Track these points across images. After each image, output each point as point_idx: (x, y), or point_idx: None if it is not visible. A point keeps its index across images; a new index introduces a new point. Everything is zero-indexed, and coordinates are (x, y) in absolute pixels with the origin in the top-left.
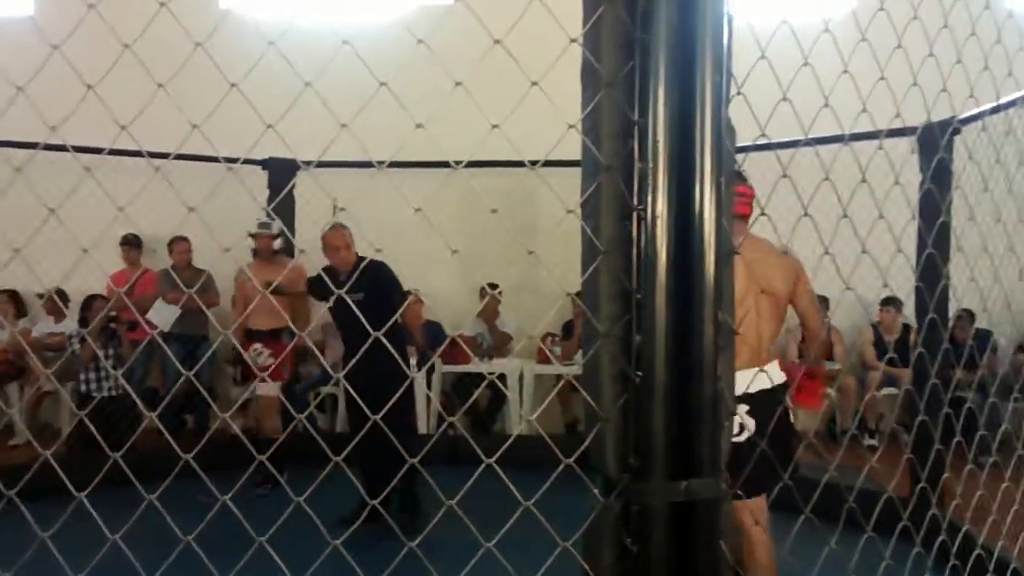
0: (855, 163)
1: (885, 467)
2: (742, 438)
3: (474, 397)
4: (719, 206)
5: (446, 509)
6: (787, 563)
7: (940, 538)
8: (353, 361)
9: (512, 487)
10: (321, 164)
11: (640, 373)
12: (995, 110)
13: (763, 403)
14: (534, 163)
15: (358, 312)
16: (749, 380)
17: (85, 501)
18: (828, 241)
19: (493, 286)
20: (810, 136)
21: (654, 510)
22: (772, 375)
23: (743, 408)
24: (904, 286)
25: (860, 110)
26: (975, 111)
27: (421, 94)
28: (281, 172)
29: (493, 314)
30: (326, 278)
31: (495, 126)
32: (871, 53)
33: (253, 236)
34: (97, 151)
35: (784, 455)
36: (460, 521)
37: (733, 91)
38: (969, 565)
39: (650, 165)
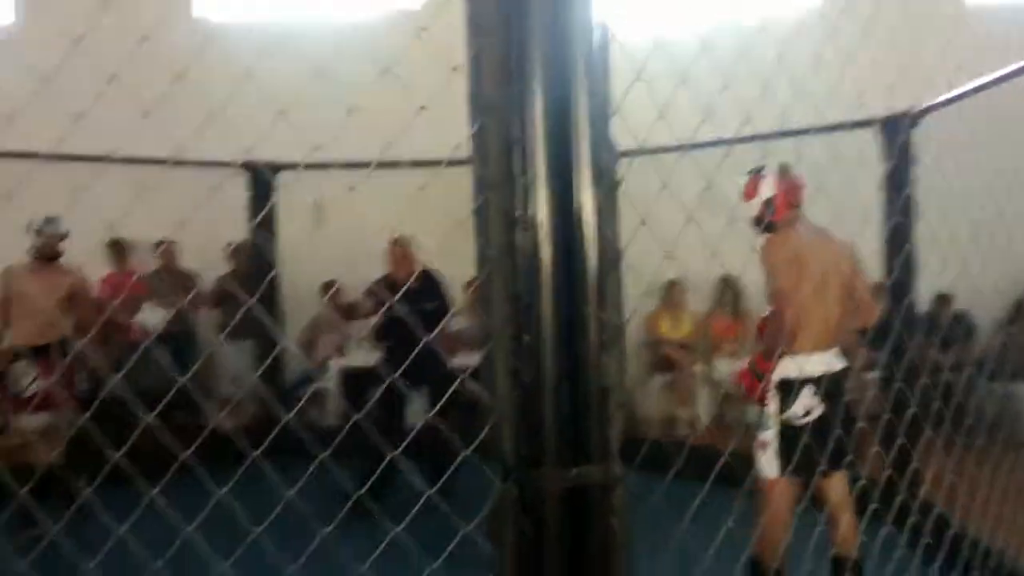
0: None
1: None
2: (807, 420)
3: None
4: (600, 214)
5: (356, 497)
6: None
7: (911, 519)
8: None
9: (417, 478)
10: (309, 167)
11: (530, 370)
12: (949, 101)
13: (828, 385)
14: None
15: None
16: (815, 364)
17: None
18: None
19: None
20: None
21: (547, 495)
22: (835, 360)
23: (809, 390)
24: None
25: (743, 120)
26: (932, 102)
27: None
28: (262, 175)
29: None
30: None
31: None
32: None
33: (37, 232)
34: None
35: (848, 438)
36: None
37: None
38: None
39: (530, 178)
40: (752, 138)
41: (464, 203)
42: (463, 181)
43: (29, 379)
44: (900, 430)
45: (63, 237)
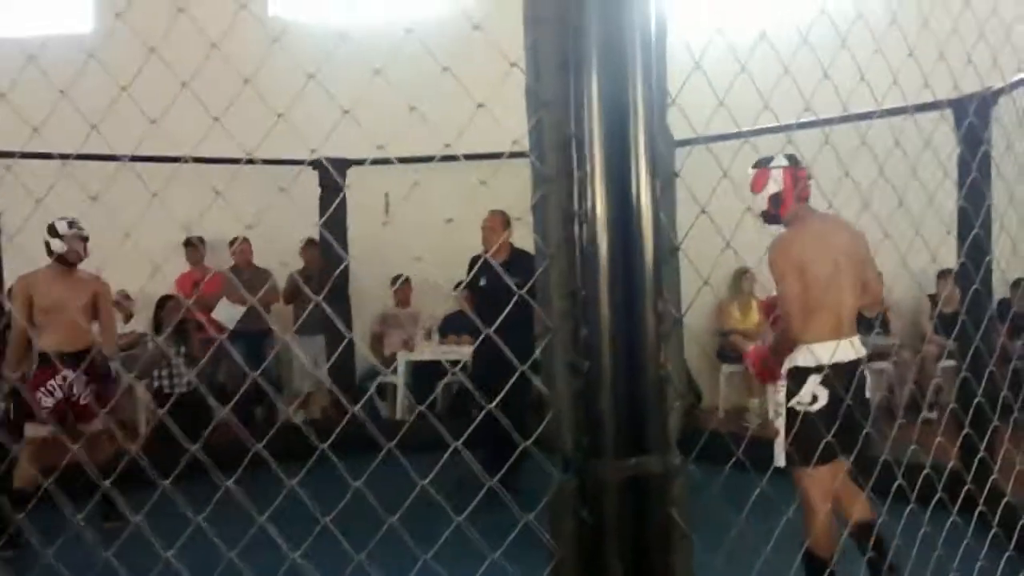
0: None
1: (946, 440)
2: (814, 408)
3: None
4: (656, 206)
5: (419, 489)
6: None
7: (978, 508)
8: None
9: (476, 467)
10: (374, 162)
11: (588, 363)
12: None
13: (839, 375)
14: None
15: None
16: (827, 352)
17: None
18: (869, 220)
19: None
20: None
21: (606, 485)
22: (851, 348)
23: (815, 379)
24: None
25: (803, 109)
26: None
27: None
28: (334, 171)
29: None
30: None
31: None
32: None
33: (60, 237)
34: (171, 160)
35: (855, 427)
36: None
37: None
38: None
39: (588, 173)
40: (813, 123)
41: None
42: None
43: (78, 385)
44: (969, 418)
45: (86, 240)
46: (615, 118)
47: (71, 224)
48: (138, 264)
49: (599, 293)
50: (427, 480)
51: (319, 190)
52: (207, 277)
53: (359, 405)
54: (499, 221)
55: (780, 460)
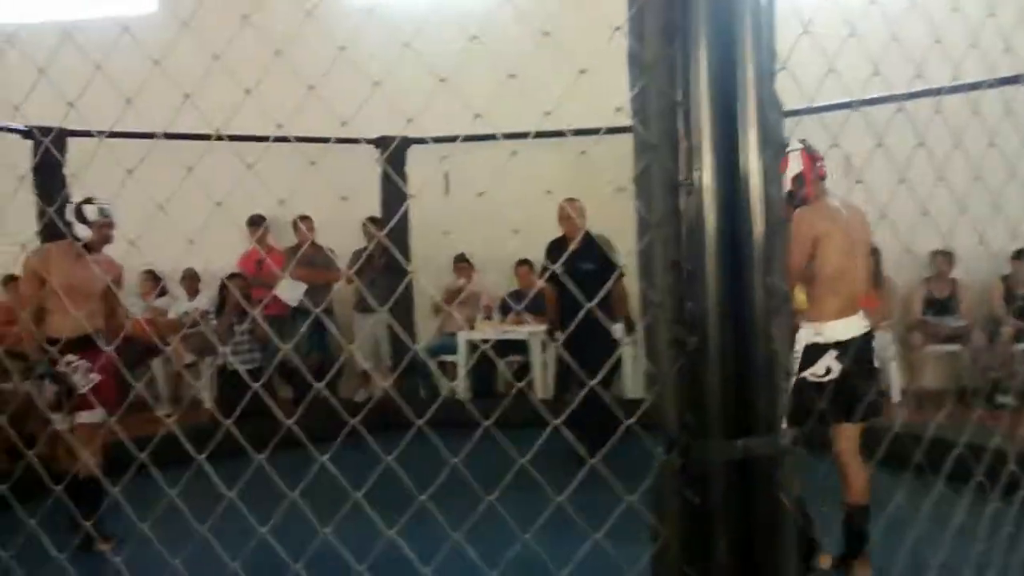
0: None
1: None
2: (826, 379)
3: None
4: (766, 177)
5: (518, 467)
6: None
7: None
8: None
9: (577, 446)
10: (437, 140)
11: (694, 339)
12: None
13: (851, 349)
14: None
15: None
16: (843, 330)
17: (264, 463)
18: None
19: None
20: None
21: (712, 466)
22: (861, 323)
23: (832, 354)
24: None
25: (914, 76)
26: None
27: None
28: (394, 150)
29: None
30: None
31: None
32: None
33: (88, 223)
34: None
35: (864, 392)
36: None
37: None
38: None
39: (695, 142)
40: (924, 93)
41: (600, 174)
42: (601, 151)
43: (83, 372)
44: None
45: (112, 227)
46: (724, 84)
47: (102, 211)
48: (201, 242)
49: (706, 266)
50: (460, 457)
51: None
52: (270, 256)
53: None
54: (578, 208)
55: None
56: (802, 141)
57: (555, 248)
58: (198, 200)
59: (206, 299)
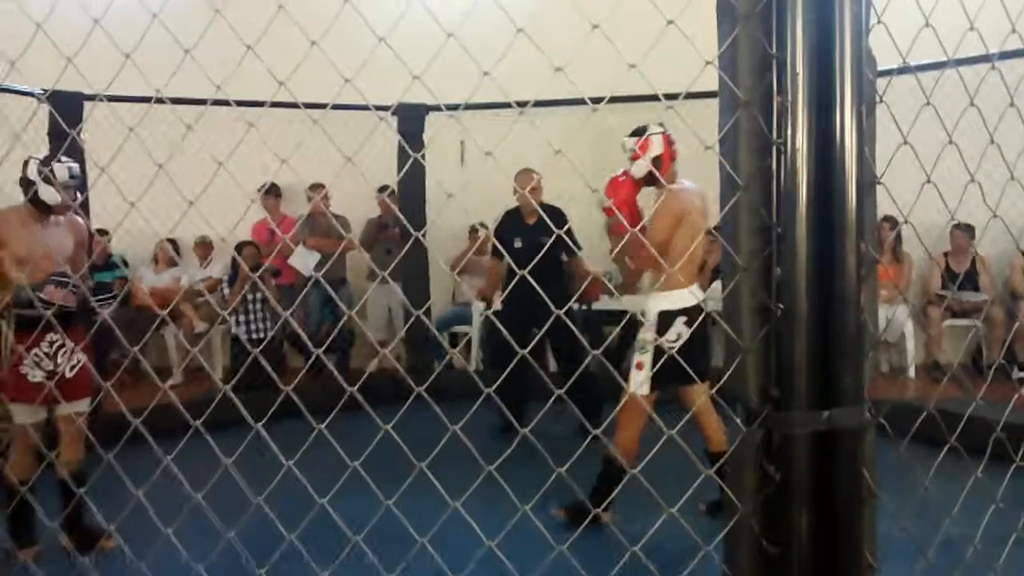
0: (1002, 86)
1: None
2: (678, 344)
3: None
4: (860, 136)
5: (592, 438)
6: (931, 495)
7: None
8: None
9: (657, 419)
10: (451, 108)
11: (781, 305)
12: None
13: (694, 315)
14: (672, 96)
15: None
16: (692, 297)
17: (262, 431)
18: (975, 167)
19: None
20: (955, 58)
21: (796, 439)
22: (698, 293)
23: (682, 319)
24: None
25: (1009, 31)
26: None
27: (556, 31)
28: (411, 118)
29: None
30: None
31: (632, 66)
32: None
33: (53, 184)
34: (256, 104)
35: (705, 352)
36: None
37: (873, 19)
38: None
39: (789, 98)
40: (1020, 52)
41: (618, 145)
42: (615, 120)
43: (67, 354)
44: None
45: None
46: (820, 35)
47: (71, 171)
48: (216, 210)
49: (797, 230)
50: (459, 425)
51: (398, 137)
52: (284, 224)
53: (380, 352)
54: (530, 177)
55: (644, 389)
56: (660, 124)
57: (508, 221)
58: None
59: (219, 267)
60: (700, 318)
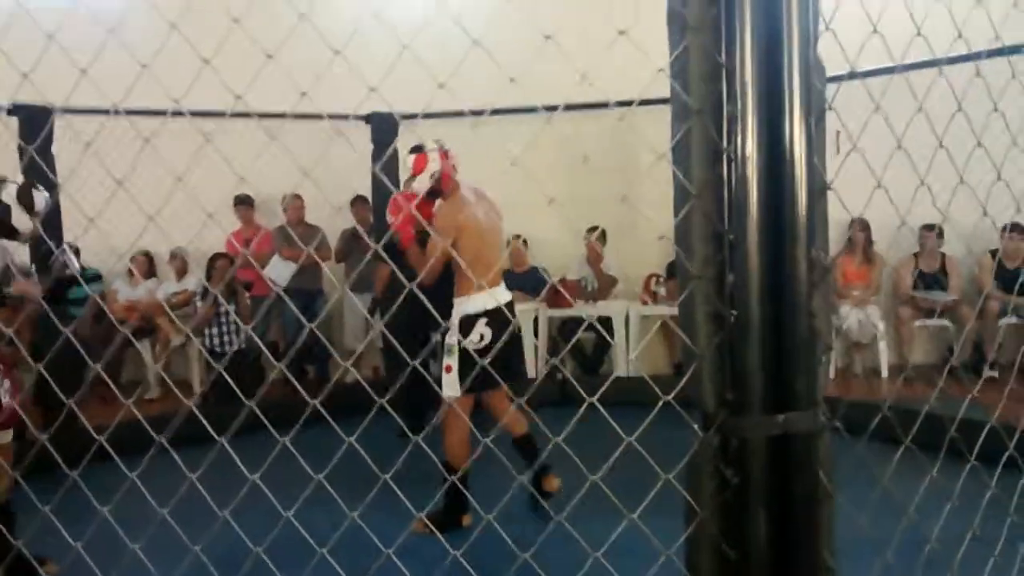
0: (950, 90)
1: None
2: (482, 345)
3: (574, 339)
4: (809, 145)
5: (553, 445)
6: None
7: None
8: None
9: (615, 424)
10: (427, 116)
11: (735, 312)
12: None
13: (497, 317)
14: (625, 104)
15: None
16: (491, 300)
17: (227, 446)
18: (925, 171)
19: (594, 229)
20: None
21: (752, 443)
22: (501, 295)
23: (483, 321)
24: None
25: (955, 36)
26: None
27: (514, 41)
28: (384, 127)
29: (598, 257)
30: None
31: (584, 76)
32: None
33: (33, 213)
34: (216, 115)
35: (517, 355)
36: (568, 458)
37: (821, 28)
38: None
39: (739, 107)
40: (966, 57)
41: (582, 152)
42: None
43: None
44: None
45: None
46: (769, 45)
47: (46, 200)
48: (189, 220)
49: (748, 237)
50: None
51: (371, 146)
52: (258, 236)
53: (350, 360)
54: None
55: (455, 391)
56: (436, 141)
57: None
58: (199, 181)
59: (194, 280)
60: (502, 320)
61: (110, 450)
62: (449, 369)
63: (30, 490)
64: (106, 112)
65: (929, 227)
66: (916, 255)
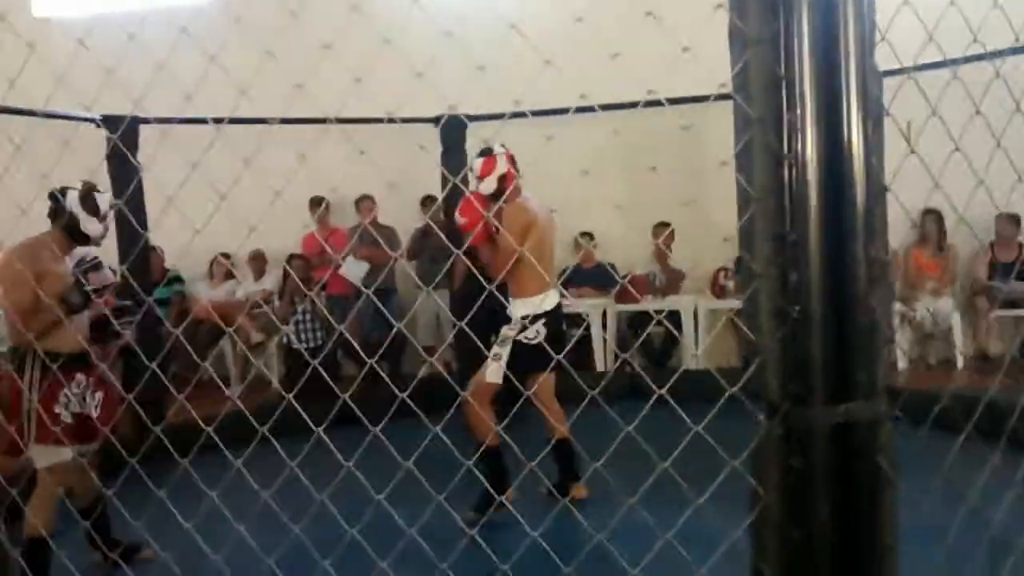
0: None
1: None
2: (535, 341)
3: (644, 334)
4: (867, 148)
5: (624, 434)
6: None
7: None
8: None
9: (682, 413)
10: (491, 117)
11: (797, 308)
12: None
13: (552, 317)
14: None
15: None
16: (549, 301)
17: (323, 435)
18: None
19: (665, 224)
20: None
21: (815, 432)
22: (554, 297)
23: (541, 321)
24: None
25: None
26: None
27: (588, 44)
28: (453, 129)
29: (665, 253)
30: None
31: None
32: None
33: (100, 217)
34: (296, 121)
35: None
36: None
37: (878, 37)
38: None
39: (798, 115)
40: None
41: (654, 150)
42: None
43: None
44: None
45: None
46: (826, 56)
47: (111, 202)
48: (269, 223)
49: (809, 237)
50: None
51: (440, 147)
52: (334, 236)
53: (375, 358)
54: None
55: (497, 378)
56: (503, 145)
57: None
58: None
59: (271, 280)
60: (555, 320)
61: (217, 440)
62: (499, 357)
63: (143, 474)
64: (197, 121)
65: (1005, 216)
66: (992, 245)
